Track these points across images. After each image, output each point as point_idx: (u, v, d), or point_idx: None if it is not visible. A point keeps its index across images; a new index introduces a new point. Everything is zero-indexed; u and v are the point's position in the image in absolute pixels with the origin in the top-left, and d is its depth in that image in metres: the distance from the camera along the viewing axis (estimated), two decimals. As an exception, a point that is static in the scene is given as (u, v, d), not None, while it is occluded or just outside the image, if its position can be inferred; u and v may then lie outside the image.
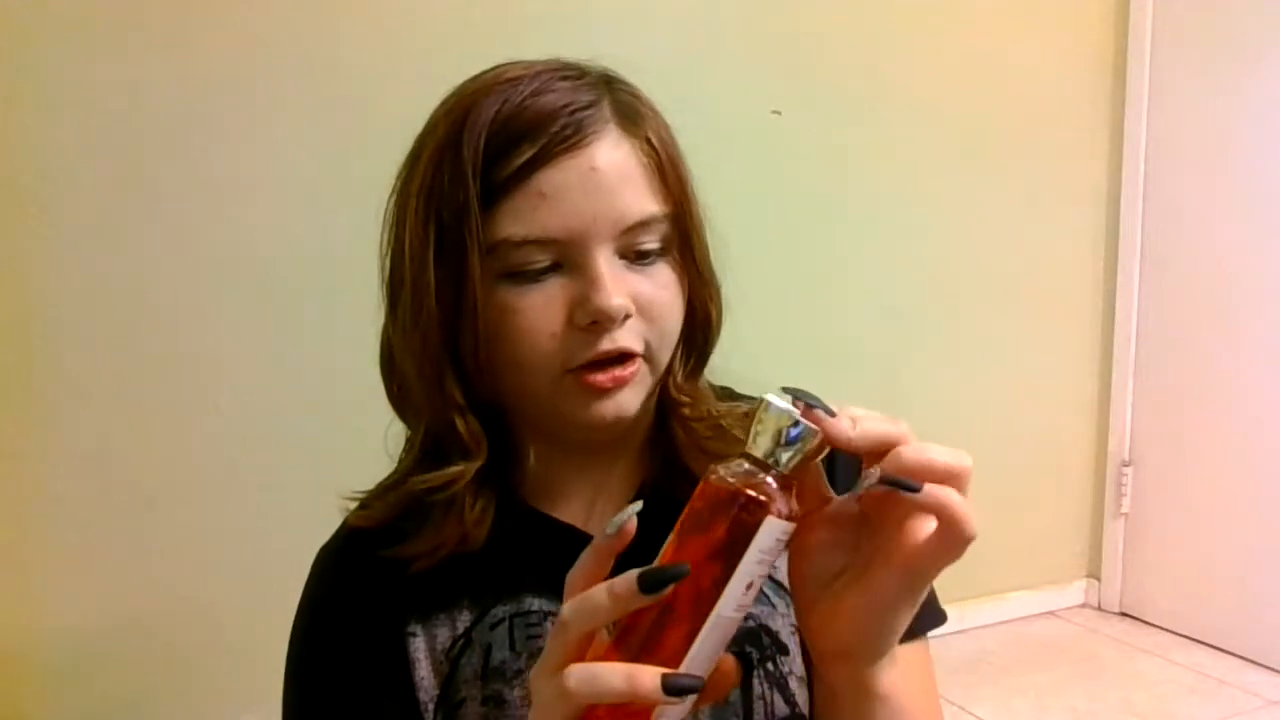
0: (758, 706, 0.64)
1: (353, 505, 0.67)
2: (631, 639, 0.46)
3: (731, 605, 0.45)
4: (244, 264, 1.72)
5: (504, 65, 0.62)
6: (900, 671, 0.52)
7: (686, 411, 0.66)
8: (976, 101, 2.38)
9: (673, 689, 0.43)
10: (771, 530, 0.45)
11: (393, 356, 0.65)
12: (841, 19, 2.20)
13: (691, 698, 0.45)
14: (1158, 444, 2.53)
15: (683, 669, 0.45)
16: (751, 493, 0.45)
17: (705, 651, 0.46)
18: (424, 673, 0.63)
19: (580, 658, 0.45)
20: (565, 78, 0.61)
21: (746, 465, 0.46)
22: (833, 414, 0.46)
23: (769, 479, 0.46)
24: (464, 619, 0.64)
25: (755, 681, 0.65)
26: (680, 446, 0.66)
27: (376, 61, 1.77)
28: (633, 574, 0.44)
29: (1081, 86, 2.53)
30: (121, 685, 1.69)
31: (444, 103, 0.62)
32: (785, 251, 2.17)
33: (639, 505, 0.46)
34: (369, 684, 0.64)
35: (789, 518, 0.46)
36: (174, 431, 1.69)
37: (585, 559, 0.47)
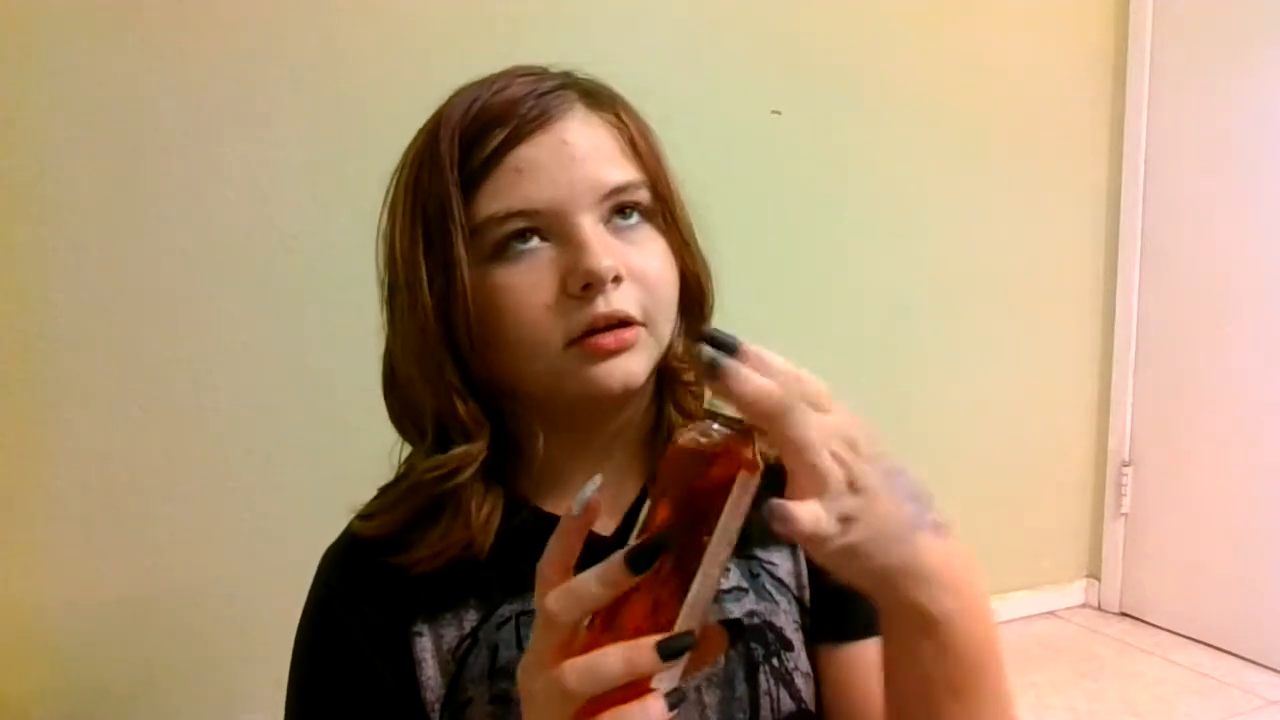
0: (764, 702, 0.65)
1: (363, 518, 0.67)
2: (621, 620, 0.45)
3: (716, 563, 0.46)
4: (245, 264, 1.72)
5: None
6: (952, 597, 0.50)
7: (688, 378, 0.67)
8: (976, 101, 2.38)
9: (669, 653, 0.44)
10: (744, 486, 0.46)
11: (394, 374, 0.66)
12: (841, 19, 2.20)
13: (685, 658, 0.45)
14: (1158, 444, 2.52)
15: (677, 629, 0.45)
16: (719, 452, 0.46)
17: (696, 612, 0.46)
18: (430, 672, 0.64)
19: (571, 650, 0.45)
20: (528, 75, 0.64)
21: (715, 425, 0.47)
22: (735, 349, 0.46)
23: (733, 434, 0.46)
24: (471, 618, 0.64)
25: (761, 677, 0.65)
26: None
27: (376, 61, 1.77)
28: (619, 556, 0.44)
29: (1081, 86, 2.53)
30: (121, 685, 1.69)
31: (425, 122, 0.66)
32: (785, 251, 2.17)
33: (599, 479, 0.47)
34: (373, 684, 0.64)
35: (753, 468, 0.46)
36: (174, 431, 1.69)
37: (554, 546, 0.47)
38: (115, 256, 1.63)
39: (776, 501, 0.44)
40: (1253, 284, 2.28)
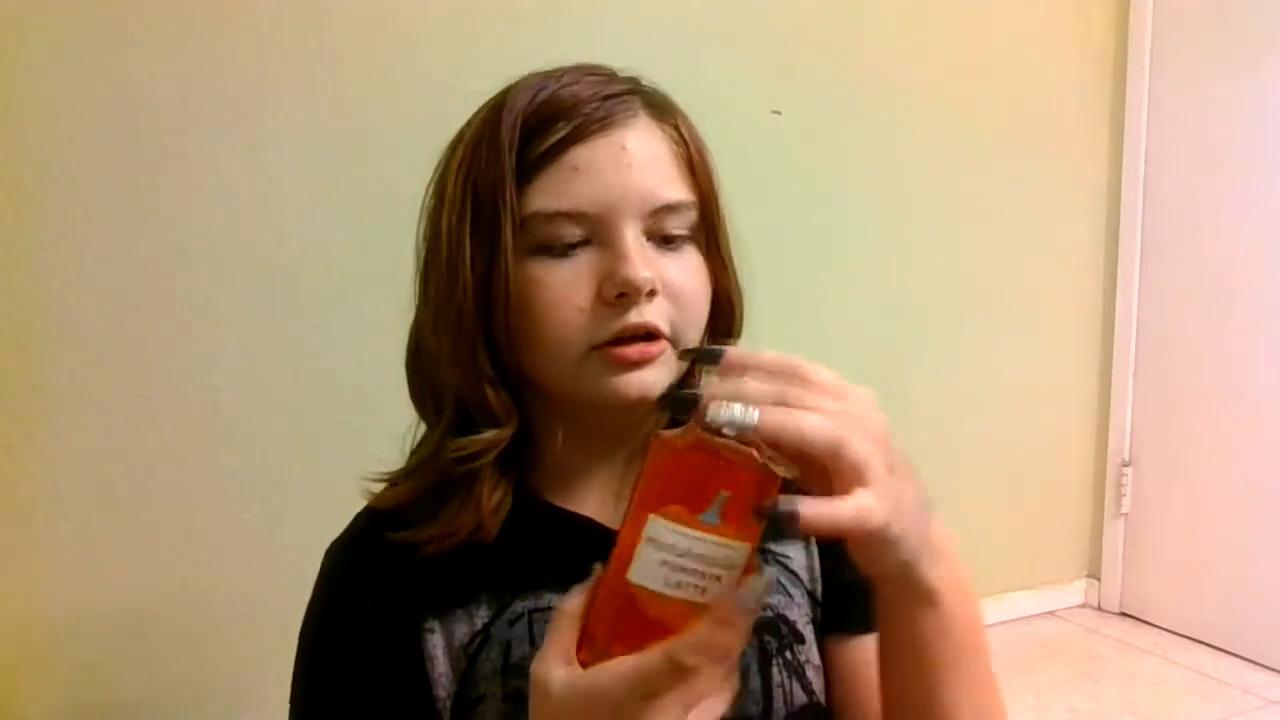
0: (777, 694, 0.66)
1: (375, 486, 0.67)
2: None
3: None
4: (244, 263, 1.71)
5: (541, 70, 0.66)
6: (950, 577, 0.51)
7: None
8: (976, 101, 2.38)
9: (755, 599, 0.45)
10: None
11: (420, 350, 0.67)
12: (842, 18, 2.20)
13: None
14: (1158, 444, 2.52)
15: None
16: (731, 459, 0.44)
17: None
18: (441, 669, 0.63)
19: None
20: (596, 75, 0.64)
21: (725, 439, 0.44)
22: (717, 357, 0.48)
23: (746, 453, 0.44)
24: (482, 614, 0.64)
25: (775, 670, 0.66)
26: None
27: (376, 61, 1.77)
28: (732, 592, 0.45)
29: (1081, 86, 2.53)
30: (121, 685, 1.69)
31: (485, 102, 0.66)
32: (785, 252, 2.17)
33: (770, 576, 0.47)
34: (381, 680, 0.64)
35: (773, 479, 0.45)
36: (174, 431, 1.69)
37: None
38: (115, 256, 1.63)
39: (821, 503, 0.43)
40: (1253, 284, 2.28)
